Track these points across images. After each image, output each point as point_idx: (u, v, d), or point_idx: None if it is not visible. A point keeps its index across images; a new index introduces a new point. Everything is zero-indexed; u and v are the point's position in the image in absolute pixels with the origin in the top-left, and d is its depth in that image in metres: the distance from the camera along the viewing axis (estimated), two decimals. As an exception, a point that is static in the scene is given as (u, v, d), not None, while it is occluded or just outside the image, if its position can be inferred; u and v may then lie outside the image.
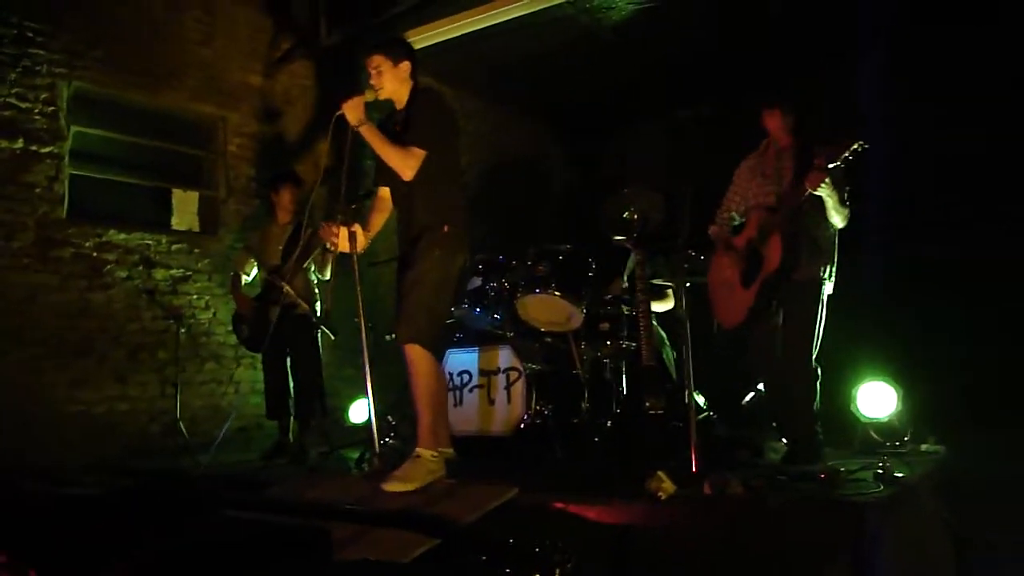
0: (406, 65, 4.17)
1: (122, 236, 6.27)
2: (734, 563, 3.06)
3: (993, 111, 6.27)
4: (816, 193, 4.30)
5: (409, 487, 3.82)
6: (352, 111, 4.02)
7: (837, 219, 4.50)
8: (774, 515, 3.31)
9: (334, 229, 4.21)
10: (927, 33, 6.52)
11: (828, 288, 4.60)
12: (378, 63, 4.14)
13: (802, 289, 4.53)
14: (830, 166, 4.24)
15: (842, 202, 4.45)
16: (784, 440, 4.75)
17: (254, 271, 5.99)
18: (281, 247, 5.73)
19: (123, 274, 6.23)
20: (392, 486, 3.82)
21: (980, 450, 4.78)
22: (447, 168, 4.15)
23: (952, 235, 6.19)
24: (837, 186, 4.37)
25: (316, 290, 5.77)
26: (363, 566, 1.89)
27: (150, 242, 6.43)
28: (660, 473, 3.54)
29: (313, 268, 5.64)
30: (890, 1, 6.32)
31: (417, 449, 3.98)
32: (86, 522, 1.71)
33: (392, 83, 4.15)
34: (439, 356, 4.24)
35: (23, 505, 2.00)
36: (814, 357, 4.53)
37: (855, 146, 4.22)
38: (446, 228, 4.06)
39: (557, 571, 1.43)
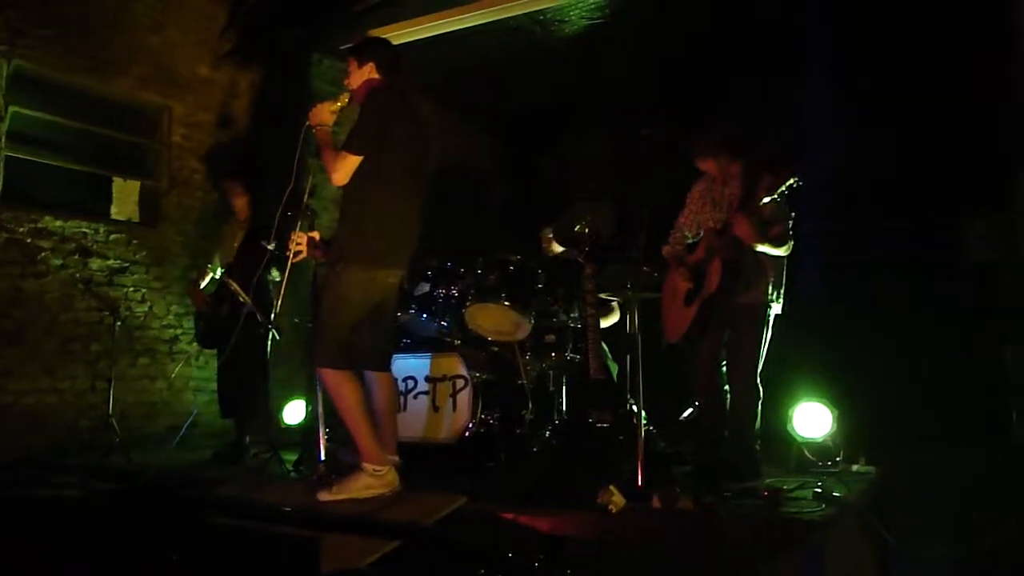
0: (369, 66, 4.13)
1: (58, 223, 6.07)
2: (683, 577, 3.12)
3: (930, 135, 6.48)
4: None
5: (338, 497, 3.81)
6: (315, 116, 4.06)
7: (779, 252, 4.61)
8: (722, 530, 3.38)
9: (296, 236, 4.17)
10: (869, 57, 6.72)
11: (775, 308, 4.71)
12: (350, 65, 4.16)
13: (747, 312, 4.62)
14: (766, 199, 4.35)
15: (782, 238, 4.53)
16: (716, 457, 4.83)
17: (219, 269, 5.90)
18: (237, 244, 5.63)
19: (58, 262, 6.03)
20: (323, 495, 3.82)
21: (909, 470, 4.96)
22: (376, 173, 3.94)
23: (890, 259, 6.39)
24: (778, 221, 4.49)
25: (270, 288, 5.68)
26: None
27: (87, 231, 6.25)
28: (611, 487, 3.59)
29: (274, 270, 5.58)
30: (833, 28, 6.51)
31: (362, 463, 3.93)
32: (72, 527, 1.65)
33: (359, 84, 4.13)
34: (376, 366, 4.11)
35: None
36: (758, 377, 4.63)
37: (790, 181, 4.33)
38: (351, 243, 3.93)
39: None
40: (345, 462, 4.36)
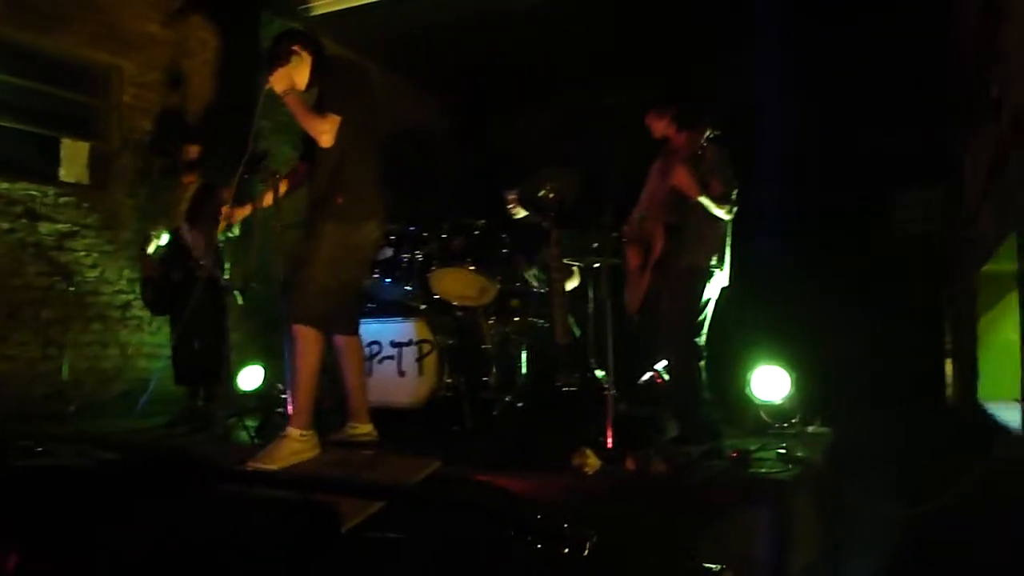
0: (297, 47, 4.12)
1: (5, 185, 5.88)
2: (659, 536, 3.19)
3: (883, 103, 6.62)
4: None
5: (271, 466, 3.75)
6: (279, 82, 4.03)
7: (720, 213, 4.61)
8: (696, 491, 3.47)
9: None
10: (821, 27, 6.81)
11: (719, 278, 4.70)
12: (281, 65, 4.10)
13: (685, 275, 4.63)
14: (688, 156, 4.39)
15: (723, 197, 4.52)
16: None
17: (165, 235, 5.72)
18: (185, 208, 5.50)
19: (5, 226, 5.85)
20: (255, 463, 3.76)
21: (861, 431, 5.12)
22: (355, 134, 4.04)
23: (843, 224, 6.53)
24: (724, 181, 4.52)
25: (222, 252, 5.56)
26: (389, 543, 1.88)
27: (35, 193, 6.06)
28: (586, 449, 3.65)
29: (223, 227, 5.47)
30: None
31: (287, 428, 3.92)
32: (83, 498, 1.63)
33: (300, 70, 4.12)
34: (348, 330, 4.18)
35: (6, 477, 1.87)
36: (696, 341, 4.64)
37: (707, 133, 4.39)
38: (339, 200, 3.99)
39: (587, 545, 1.48)
40: None
